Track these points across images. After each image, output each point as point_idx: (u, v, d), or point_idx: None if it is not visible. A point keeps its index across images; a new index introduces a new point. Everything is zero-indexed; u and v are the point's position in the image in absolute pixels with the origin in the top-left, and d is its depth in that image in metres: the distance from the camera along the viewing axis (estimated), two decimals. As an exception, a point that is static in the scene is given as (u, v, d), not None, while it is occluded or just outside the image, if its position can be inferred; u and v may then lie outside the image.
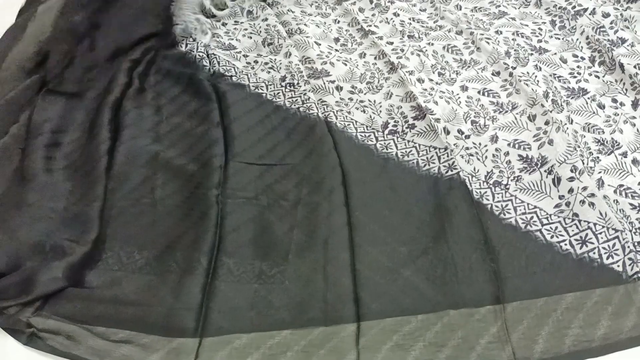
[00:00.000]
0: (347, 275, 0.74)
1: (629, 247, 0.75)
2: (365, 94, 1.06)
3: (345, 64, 1.13)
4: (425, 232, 0.80)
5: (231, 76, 1.10)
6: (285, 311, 0.71)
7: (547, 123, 0.93)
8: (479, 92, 1.04)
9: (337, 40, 1.21)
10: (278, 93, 1.07)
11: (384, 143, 0.95)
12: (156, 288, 0.73)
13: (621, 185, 0.85)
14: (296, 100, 1.05)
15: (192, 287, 0.72)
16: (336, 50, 1.18)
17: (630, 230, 0.78)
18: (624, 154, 0.90)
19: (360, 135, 0.97)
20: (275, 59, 1.15)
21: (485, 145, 0.92)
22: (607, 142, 0.92)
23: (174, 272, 0.75)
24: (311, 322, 0.70)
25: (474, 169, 0.89)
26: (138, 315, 0.70)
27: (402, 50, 1.15)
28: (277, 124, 1.00)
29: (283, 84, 1.08)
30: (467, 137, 0.94)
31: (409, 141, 0.95)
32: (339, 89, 1.07)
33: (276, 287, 0.74)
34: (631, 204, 0.82)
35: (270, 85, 1.09)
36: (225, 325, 0.69)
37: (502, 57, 1.09)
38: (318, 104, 1.03)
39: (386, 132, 0.97)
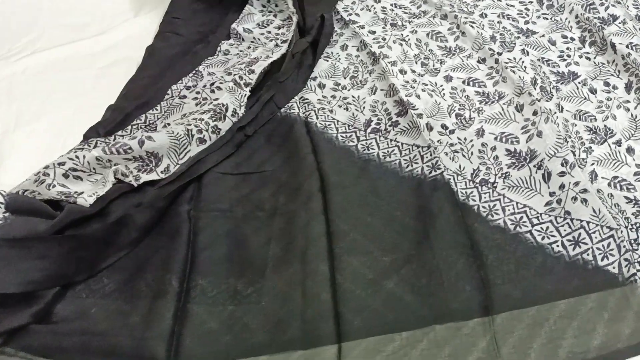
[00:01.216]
0: (326, 289, 0.70)
1: (624, 246, 0.70)
2: (349, 90, 1.01)
3: (327, 60, 1.08)
4: (408, 238, 0.76)
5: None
6: (262, 333, 0.67)
7: (535, 113, 0.88)
8: (463, 82, 0.98)
9: (315, 32, 1.15)
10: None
11: (366, 143, 0.90)
12: (126, 315, 0.69)
13: (615, 177, 0.80)
14: (276, 99, 1.00)
15: (164, 312, 0.68)
16: (316, 43, 1.12)
17: (626, 227, 0.74)
18: (618, 142, 0.85)
19: (341, 136, 0.92)
20: (251, 57, 1.09)
21: (471, 140, 0.88)
22: (599, 130, 0.87)
23: (144, 297, 0.71)
24: (290, 344, 0.66)
25: (460, 166, 0.84)
26: (107, 346, 0.66)
27: (384, 39, 1.09)
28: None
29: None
30: (452, 132, 0.89)
31: (391, 140, 0.90)
32: (322, 86, 1.02)
33: (252, 307, 0.70)
34: (626, 197, 0.77)
35: (248, 85, 1.04)
36: (199, 352, 0.66)
37: (487, 42, 1.04)
38: (299, 102, 0.98)
39: (368, 130, 0.92)
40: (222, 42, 1.08)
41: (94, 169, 0.82)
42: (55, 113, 0.99)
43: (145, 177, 0.83)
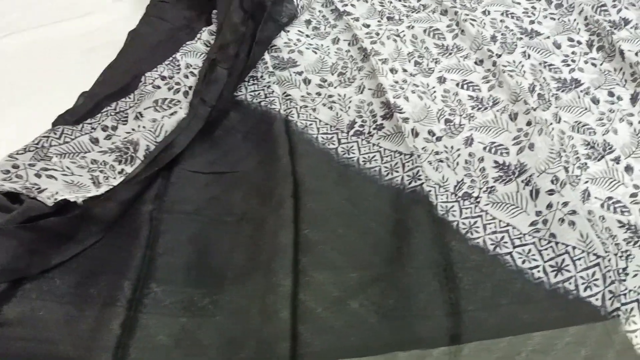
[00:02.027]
0: (287, 306, 0.65)
1: (610, 277, 0.65)
2: (335, 87, 0.96)
3: (316, 52, 1.02)
4: (381, 254, 0.71)
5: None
6: (213, 350, 0.63)
7: (529, 123, 0.82)
8: (457, 85, 0.93)
9: (308, 22, 1.10)
10: (240, 86, 0.97)
11: (346, 147, 0.85)
12: (74, 322, 0.66)
13: (610, 198, 0.74)
14: (259, 93, 0.95)
15: (112, 320, 0.65)
16: (307, 36, 1.07)
17: (615, 254, 0.68)
18: (617, 160, 0.79)
19: (322, 138, 0.87)
20: (237, 47, 1.04)
21: (458, 149, 0.82)
22: (598, 144, 0.81)
23: (94, 303, 0.67)
24: None
25: (443, 177, 0.79)
26: (51, 355, 0.63)
27: (378, 34, 1.03)
28: (236, 123, 0.91)
29: (247, 77, 0.98)
30: (439, 139, 0.84)
31: (373, 144, 0.85)
32: (307, 81, 0.97)
33: (206, 321, 0.66)
34: (619, 221, 0.72)
35: (231, 76, 0.99)
36: (145, 368, 0.62)
37: (487, 42, 0.98)
38: (282, 98, 0.93)
39: (351, 133, 0.87)
40: (203, 29, 1.03)
41: (67, 167, 0.79)
42: (36, 96, 0.95)
43: (129, 169, 0.79)
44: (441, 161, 0.81)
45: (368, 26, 1.06)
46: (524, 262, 0.69)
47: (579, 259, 0.67)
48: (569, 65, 0.94)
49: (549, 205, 0.72)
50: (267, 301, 0.66)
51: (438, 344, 0.62)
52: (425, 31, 1.04)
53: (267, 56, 1.01)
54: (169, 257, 0.72)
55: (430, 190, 0.76)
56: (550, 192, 0.73)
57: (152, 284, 0.69)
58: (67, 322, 0.66)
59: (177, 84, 0.92)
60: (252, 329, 0.65)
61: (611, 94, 0.88)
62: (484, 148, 0.82)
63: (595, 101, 0.87)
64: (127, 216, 0.76)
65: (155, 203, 0.77)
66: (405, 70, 0.96)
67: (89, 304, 0.67)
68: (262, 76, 0.97)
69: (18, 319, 0.66)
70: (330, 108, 0.92)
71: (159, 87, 0.91)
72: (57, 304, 0.68)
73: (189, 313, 0.67)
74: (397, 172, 0.80)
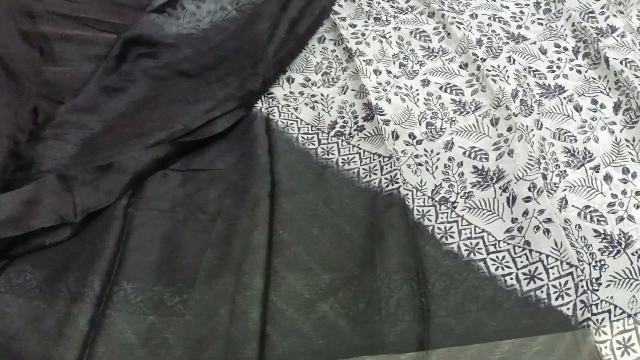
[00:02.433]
0: (257, 307, 0.65)
1: (582, 286, 0.64)
2: (318, 87, 0.95)
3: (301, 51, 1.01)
4: (354, 257, 0.70)
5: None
6: (180, 350, 0.63)
7: (509, 129, 0.82)
8: (441, 88, 0.92)
9: (295, 21, 1.09)
10: (220, 83, 0.96)
11: (326, 147, 0.84)
12: (41, 318, 0.65)
13: (587, 207, 0.74)
14: (240, 91, 0.94)
15: (79, 317, 0.64)
16: (293, 33, 1.06)
17: (589, 264, 0.68)
18: (596, 168, 0.78)
19: (302, 137, 0.86)
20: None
21: (438, 153, 0.81)
22: (578, 152, 0.81)
23: (62, 298, 0.67)
24: None
25: (421, 181, 0.78)
26: (14, 351, 0.62)
27: (364, 34, 1.03)
28: None
29: (227, 73, 0.98)
30: (419, 142, 0.83)
31: (353, 146, 0.84)
32: (290, 80, 0.96)
33: (175, 320, 0.65)
34: (595, 231, 0.71)
35: (215, 73, 0.98)
36: (109, 366, 0.61)
37: (472, 45, 0.97)
38: (264, 96, 0.93)
39: (332, 133, 0.87)
40: None
41: None
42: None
43: None
44: (420, 165, 0.80)
45: (354, 26, 1.05)
46: (497, 268, 0.68)
47: (552, 267, 0.67)
48: (554, 71, 0.94)
49: (525, 213, 0.72)
50: (237, 301, 0.66)
51: (406, 349, 0.62)
52: (411, 33, 1.03)
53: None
54: (140, 254, 0.71)
55: (407, 194, 0.76)
56: (527, 199, 0.73)
57: (123, 281, 0.68)
58: (34, 317, 0.65)
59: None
60: (220, 329, 0.64)
61: (594, 102, 0.88)
62: (464, 153, 0.81)
63: (578, 108, 0.87)
64: (101, 210, 0.75)
65: (131, 199, 0.77)
66: (389, 72, 0.95)
67: (58, 299, 0.66)
68: (246, 73, 0.96)
69: None
70: (313, 108, 0.91)
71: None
72: (26, 299, 0.67)
73: (158, 311, 0.66)
74: (375, 174, 0.79)
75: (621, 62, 0.90)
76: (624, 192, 0.74)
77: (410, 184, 0.78)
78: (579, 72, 0.93)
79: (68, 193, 0.73)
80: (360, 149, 0.83)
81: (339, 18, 1.07)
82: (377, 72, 0.95)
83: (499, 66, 0.93)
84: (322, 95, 0.93)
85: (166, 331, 0.64)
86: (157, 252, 0.71)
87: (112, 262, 0.69)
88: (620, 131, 0.83)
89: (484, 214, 0.74)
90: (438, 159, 0.81)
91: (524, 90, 0.89)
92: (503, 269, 0.68)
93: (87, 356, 0.62)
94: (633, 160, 0.78)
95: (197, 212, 0.76)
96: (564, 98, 0.89)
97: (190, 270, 0.70)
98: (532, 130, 0.82)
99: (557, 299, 0.65)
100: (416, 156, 0.81)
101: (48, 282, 0.68)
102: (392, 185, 0.77)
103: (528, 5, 1.08)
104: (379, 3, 1.11)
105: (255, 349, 0.62)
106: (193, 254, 0.71)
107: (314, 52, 1.02)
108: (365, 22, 1.06)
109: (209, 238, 0.73)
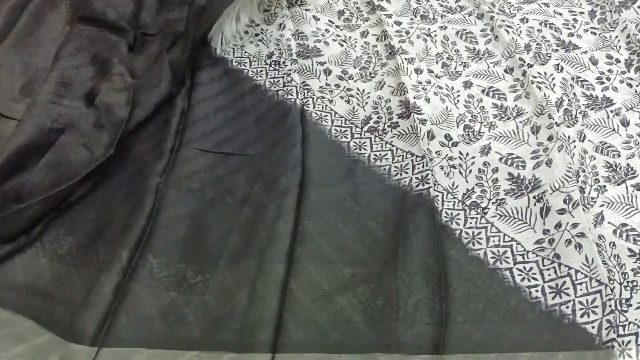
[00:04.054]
0: (276, 294, 0.65)
1: (610, 305, 0.62)
2: (355, 81, 0.94)
3: (342, 45, 1.01)
4: (376, 254, 0.70)
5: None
6: (197, 328, 0.64)
7: (550, 138, 0.79)
8: (483, 91, 0.90)
9: (341, 13, 1.08)
10: (261, 71, 0.97)
11: (359, 142, 0.84)
12: (71, 282, 0.67)
13: (624, 225, 0.71)
14: (278, 81, 0.94)
15: (105, 286, 0.66)
16: (337, 26, 1.05)
17: (621, 284, 0.65)
18: (637, 186, 0.75)
19: (335, 130, 0.86)
20: (267, 30, 1.04)
21: (473, 157, 0.80)
22: (620, 168, 0.78)
23: (91, 267, 0.69)
24: (223, 346, 0.62)
25: (453, 184, 0.77)
26: (48, 312, 0.65)
27: (408, 32, 1.02)
28: (250, 106, 0.91)
29: (269, 61, 0.98)
30: (455, 144, 0.82)
31: (386, 142, 0.83)
32: (327, 72, 0.96)
33: (195, 298, 0.66)
34: (630, 250, 0.68)
35: (255, 61, 0.99)
36: (129, 336, 0.63)
37: (520, 50, 0.94)
38: (300, 87, 0.93)
39: (365, 128, 0.86)
40: None
41: None
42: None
43: None
44: (454, 167, 0.79)
45: (400, 23, 1.04)
46: (522, 279, 0.66)
47: (581, 283, 0.64)
48: (603, 83, 0.90)
49: (558, 225, 0.69)
50: (257, 286, 0.66)
51: (421, 352, 0.61)
52: (457, 33, 1.01)
53: (292, 42, 1.00)
54: (168, 231, 0.72)
55: (437, 196, 0.75)
56: (562, 211, 0.70)
57: (149, 255, 0.70)
58: (65, 281, 0.68)
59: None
60: (238, 312, 0.65)
61: (643, 118, 0.84)
62: (500, 159, 0.79)
63: (625, 123, 0.84)
64: (134, 186, 0.77)
65: (162, 177, 0.78)
66: (430, 72, 0.94)
67: (87, 266, 0.69)
68: (284, 62, 0.97)
69: (21, 271, 0.68)
70: (348, 101, 0.90)
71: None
72: (58, 264, 0.70)
73: (180, 288, 0.67)
74: (406, 173, 0.78)
75: (676, 78, 0.86)
76: (665, 213, 0.71)
77: (442, 186, 0.76)
78: (630, 85, 0.90)
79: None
80: (393, 146, 0.83)
81: (385, 14, 1.06)
82: (418, 70, 0.93)
83: (545, 73, 0.91)
84: (357, 89, 0.93)
85: (186, 308, 0.66)
86: (184, 230, 0.73)
87: (141, 236, 0.71)
88: (668, 150, 0.79)
89: (515, 222, 0.72)
90: (473, 163, 0.79)
91: (569, 100, 0.86)
92: (529, 280, 0.66)
93: (109, 324, 0.64)
94: (678, 181, 0.75)
95: (226, 195, 0.77)
96: (611, 111, 0.85)
97: (214, 251, 0.70)
98: (574, 141, 0.80)
99: (582, 316, 0.62)
100: (450, 158, 0.80)
101: (80, 250, 0.71)
102: (423, 185, 0.76)
103: (583, 13, 1.04)
104: (427, 1, 1.09)
105: (269, 335, 0.62)
106: (218, 236, 0.72)
107: (355, 46, 1.01)
108: (411, 19, 1.05)
109: (235, 222, 0.74)
